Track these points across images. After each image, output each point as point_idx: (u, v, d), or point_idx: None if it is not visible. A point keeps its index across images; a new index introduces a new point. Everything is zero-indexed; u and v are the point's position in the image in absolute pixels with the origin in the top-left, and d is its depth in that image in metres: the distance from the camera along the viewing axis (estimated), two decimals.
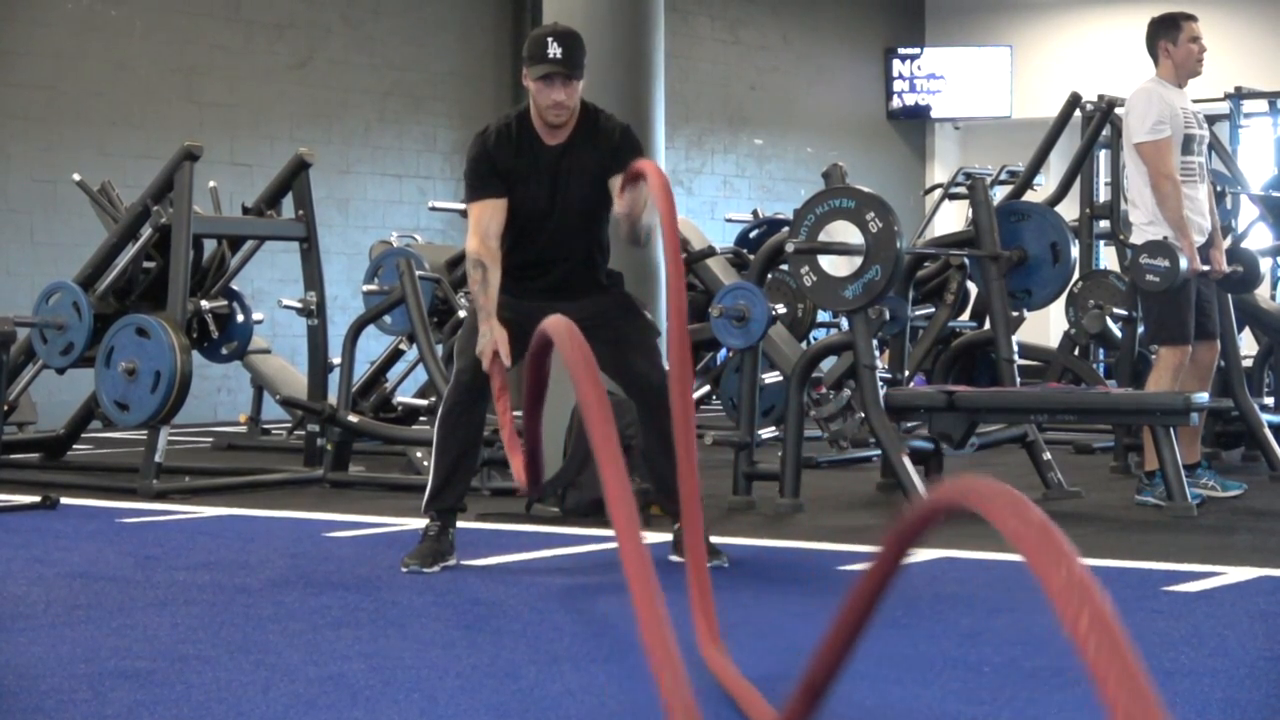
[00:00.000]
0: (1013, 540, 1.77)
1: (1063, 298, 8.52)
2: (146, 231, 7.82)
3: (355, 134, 13.23)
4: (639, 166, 4.61)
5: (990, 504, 1.81)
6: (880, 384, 6.82)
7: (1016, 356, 7.72)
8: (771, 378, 8.43)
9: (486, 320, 5.01)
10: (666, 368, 5.55)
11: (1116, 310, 8.46)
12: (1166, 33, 6.99)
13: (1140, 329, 8.15)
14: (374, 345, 10.34)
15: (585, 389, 2.96)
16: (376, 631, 4.19)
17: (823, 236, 6.77)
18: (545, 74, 5.08)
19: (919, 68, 17.87)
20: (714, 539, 5.36)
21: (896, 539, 2.07)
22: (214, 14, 12.39)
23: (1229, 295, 7.53)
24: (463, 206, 7.39)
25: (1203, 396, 6.72)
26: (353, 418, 7.93)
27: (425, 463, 7.44)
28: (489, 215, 5.13)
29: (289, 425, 10.43)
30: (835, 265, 6.76)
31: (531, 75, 5.11)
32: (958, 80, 17.83)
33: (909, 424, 7.75)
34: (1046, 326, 14.65)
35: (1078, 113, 9.38)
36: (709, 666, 3.53)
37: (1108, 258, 10.50)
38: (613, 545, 5.73)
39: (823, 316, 9.57)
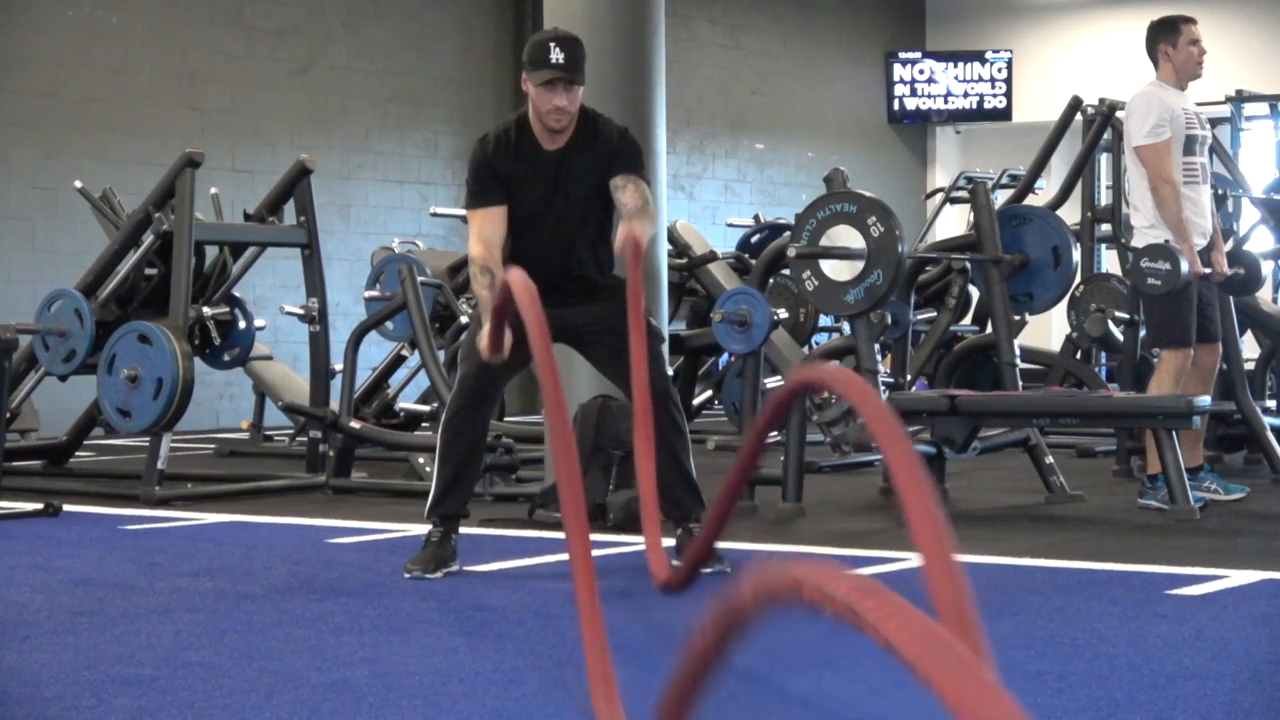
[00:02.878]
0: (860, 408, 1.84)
1: (1064, 301, 8.52)
2: (148, 238, 7.83)
3: (356, 140, 13.24)
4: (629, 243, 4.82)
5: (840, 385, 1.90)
6: (882, 388, 6.82)
7: (1018, 360, 7.72)
8: (773, 382, 8.42)
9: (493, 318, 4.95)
10: (670, 372, 5.56)
11: (1118, 314, 8.46)
12: (1166, 36, 7.00)
13: (1142, 332, 8.16)
14: (376, 351, 10.34)
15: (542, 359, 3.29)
16: (380, 638, 4.19)
17: (824, 241, 6.77)
18: (547, 79, 5.07)
19: (920, 72, 17.88)
20: (716, 544, 5.35)
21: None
22: (215, 20, 12.40)
23: (1230, 298, 7.53)
24: (464, 212, 7.39)
25: (1205, 400, 6.72)
26: (355, 424, 7.93)
27: (428, 468, 7.44)
28: (491, 224, 5.13)
29: (291, 431, 10.43)
30: (837, 270, 6.77)
31: (532, 80, 5.11)
32: (958, 84, 17.83)
33: (911, 428, 7.75)
34: (1048, 330, 14.65)
35: (1079, 116, 9.38)
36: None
37: (1109, 261, 10.50)
38: (612, 550, 5.74)
39: (825, 321, 9.57)
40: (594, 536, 5.96)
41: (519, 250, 5.21)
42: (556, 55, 5.07)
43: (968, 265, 8.36)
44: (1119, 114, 8.56)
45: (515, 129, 5.21)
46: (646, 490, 4.44)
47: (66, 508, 6.89)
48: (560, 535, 5.92)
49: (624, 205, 5.16)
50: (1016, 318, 8.03)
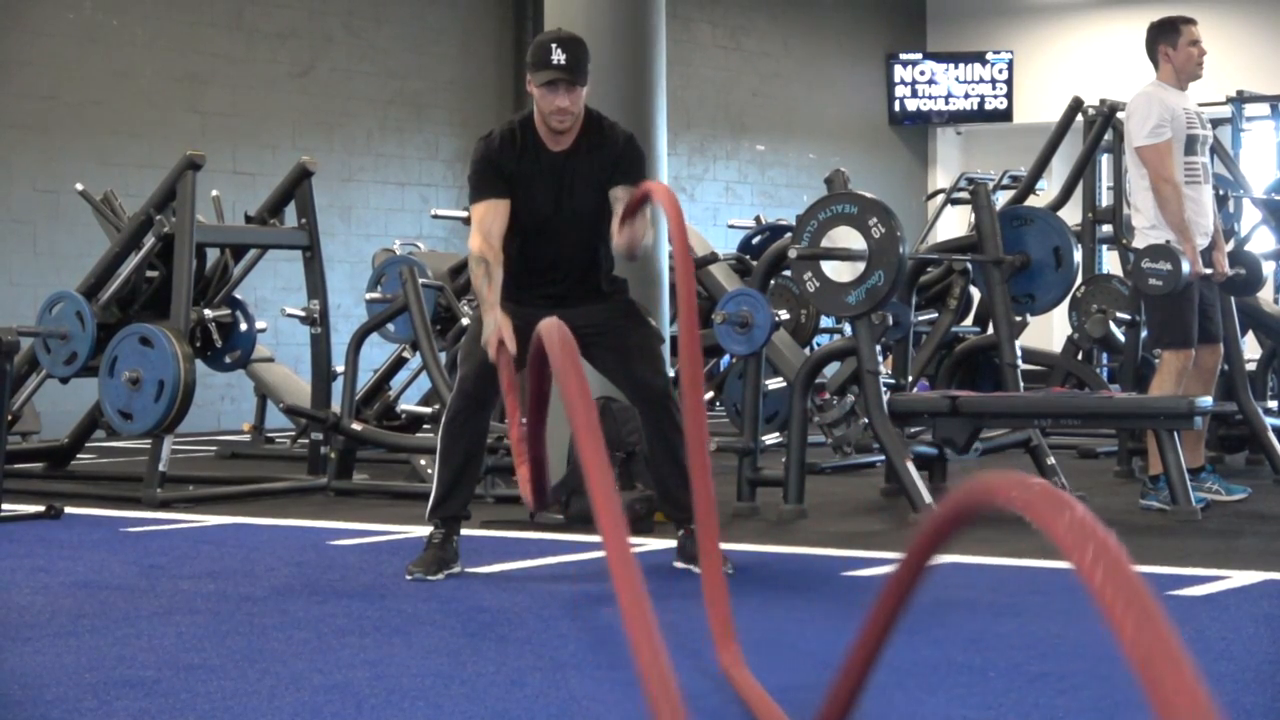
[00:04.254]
0: (1052, 537, 1.61)
1: (1066, 302, 8.52)
2: (149, 241, 7.83)
3: (357, 142, 13.24)
4: (646, 190, 4.60)
5: (1025, 500, 1.65)
6: (884, 389, 6.82)
7: (1020, 361, 7.71)
8: (775, 384, 8.42)
9: (490, 310, 4.99)
10: (671, 374, 5.56)
11: (1120, 314, 8.45)
12: (1166, 37, 7.00)
13: (1143, 333, 8.15)
14: (377, 353, 10.34)
15: (572, 392, 2.90)
16: (381, 640, 4.19)
17: (825, 242, 6.77)
18: (549, 80, 5.08)
19: (921, 73, 17.88)
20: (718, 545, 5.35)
21: (922, 541, 1.94)
22: (216, 23, 12.41)
23: (1232, 298, 7.53)
24: (465, 214, 7.39)
25: (1206, 400, 6.72)
26: (356, 426, 7.93)
27: (429, 470, 7.44)
28: (492, 215, 5.12)
29: (293, 434, 10.44)
30: (838, 271, 6.76)
31: (535, 81, 5.11)
32: (959, 86, 17.84)
33: (913, 429, 7.75)
34: (1050, 331, 14.65)
35: (1080, 117, 9.38)
36: (726, 675, 3.44)
37: (1110, 262, 10.50)
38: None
39: (826, 322, 9.56)
40: (595, 539, 5.97)
41: (524, 253, 5.21)
42: (558, 56, 5.07)
43: (969, 266, 8.35)
44: (1120, 115, 8.55)
45: (520, 129, 5.21)
46: (716, 602, 3.63)
47: (68, 510, 6.90)
48: (561, 536, 5.93)
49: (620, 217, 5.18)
50: (1018, 319, 8.02)
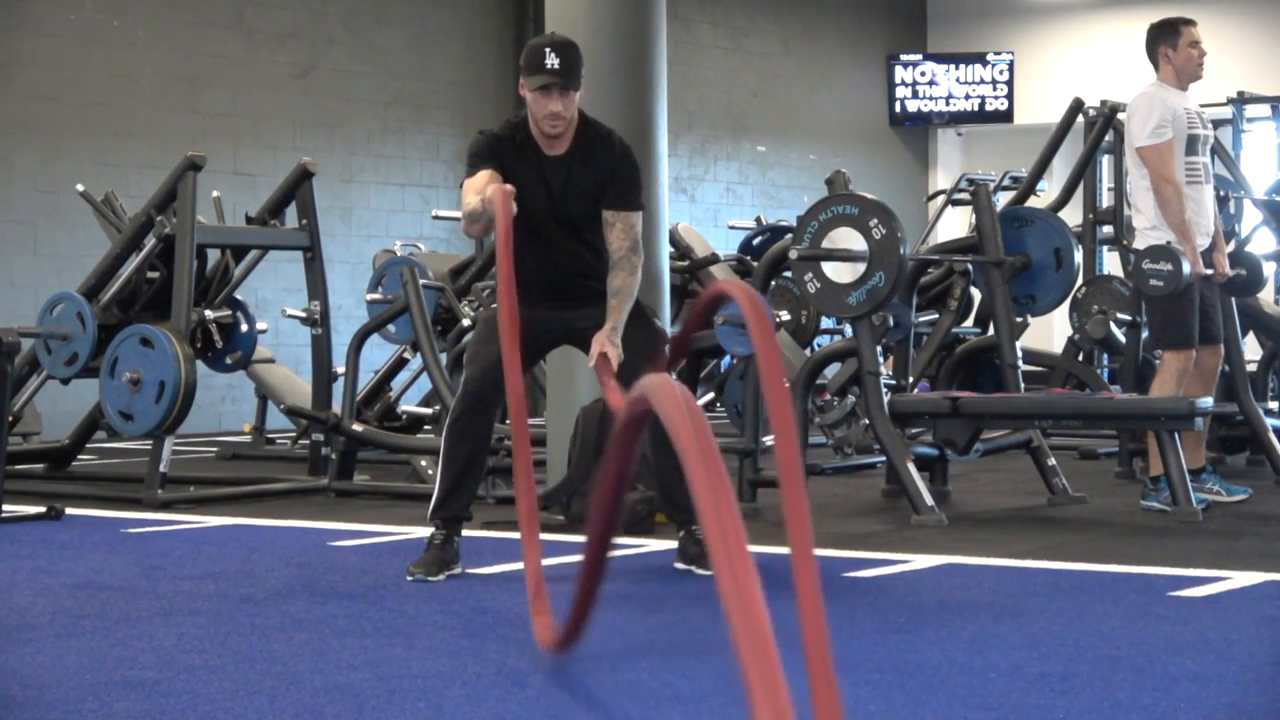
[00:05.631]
0: None
1: (1066, 303, 8.52)
2: (150, 242, 7.83)
3: (358, 143, 13.24)
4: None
5: None
6: (884, 390, 6.82)
7: (1020, 362, 7.71)
8: None
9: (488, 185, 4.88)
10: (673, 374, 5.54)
11: (1120, 315, 8.45)
12: (1166, 38, 7.00)
13: (1144, 334, 8.15)
14: (378, 354, 10.34)
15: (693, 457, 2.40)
16: (382, 640, 4.19)
17: (826, 243, 6.77)
18: (542, 85, 5.08)
19: (921, 74, 17.88)
20: None
21: None
22: (217, 24, 12.40)
23: (1232, 299, 7.53)
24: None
25: (1207, 401, 6.72)
26: (357, 427, 7.93)
27: (430, 471, 7.44)
28: (484, 181, 5.06)
29: (293, 435, 10.44)
30: (839, 272, 6.77)
31: (529, 86, 5.11)
32: (960, 86, 17.83)
33: (913, 430, 7.75)
34: (1050, 332, 14.64)
35: (1080, 118, 9.38)
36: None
37: (1111, 263, 10.50)
38: (615, 552, 5.74)
39: (826, 323, 9.56)
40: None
41: (523, 255, 5.20)
42: (552, 61, 5.07)
43: (969, 267, 8.34)
44: (1120, 115, 8.55)
45: (516, 130, 5.21)
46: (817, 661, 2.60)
47: (69, 511, 6.89)
48: (562, 537, 5.93)
49: (609, 245, 5.17)
50: (1018, 320, 8.02)
